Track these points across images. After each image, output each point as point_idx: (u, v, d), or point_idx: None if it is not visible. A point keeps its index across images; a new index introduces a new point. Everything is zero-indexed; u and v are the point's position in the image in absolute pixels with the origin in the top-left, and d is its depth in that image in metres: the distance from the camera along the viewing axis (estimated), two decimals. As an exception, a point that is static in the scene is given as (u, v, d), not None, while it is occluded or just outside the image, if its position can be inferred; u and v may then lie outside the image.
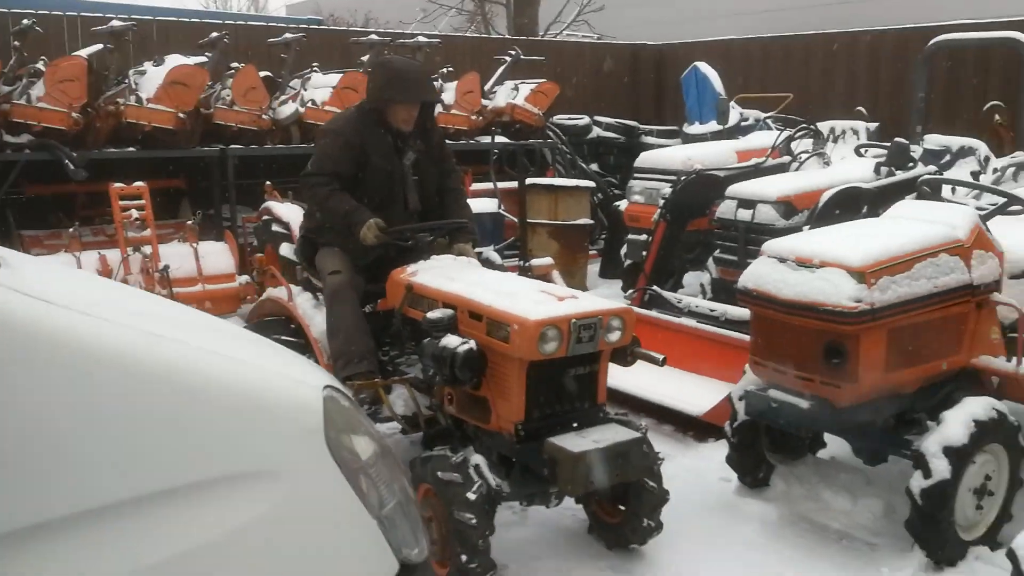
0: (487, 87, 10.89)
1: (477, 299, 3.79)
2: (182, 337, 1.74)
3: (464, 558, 3.50)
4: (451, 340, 3.66)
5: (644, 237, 7.49)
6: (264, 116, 8.73)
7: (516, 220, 7.52)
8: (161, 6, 14.68)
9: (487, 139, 10.11)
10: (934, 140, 7.10)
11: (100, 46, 8.10)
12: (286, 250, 5.55)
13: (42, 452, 1.38)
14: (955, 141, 7.06)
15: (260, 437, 1.64)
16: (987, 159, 6.86)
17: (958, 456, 3.75)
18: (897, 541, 4.02)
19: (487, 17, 21.15)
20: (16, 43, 7.85)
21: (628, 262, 8.21)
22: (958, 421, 3.81)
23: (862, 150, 7.16)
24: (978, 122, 9.00)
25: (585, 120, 11.60)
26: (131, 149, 8.12)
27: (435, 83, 8.67)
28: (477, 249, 4.79)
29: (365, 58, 9.90)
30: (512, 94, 10.76)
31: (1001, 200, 4.60)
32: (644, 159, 8.62)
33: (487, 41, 15.05)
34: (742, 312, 5.35)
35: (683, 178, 7.21)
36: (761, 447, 4.56)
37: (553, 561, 3.99)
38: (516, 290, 3.89)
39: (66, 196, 8.39)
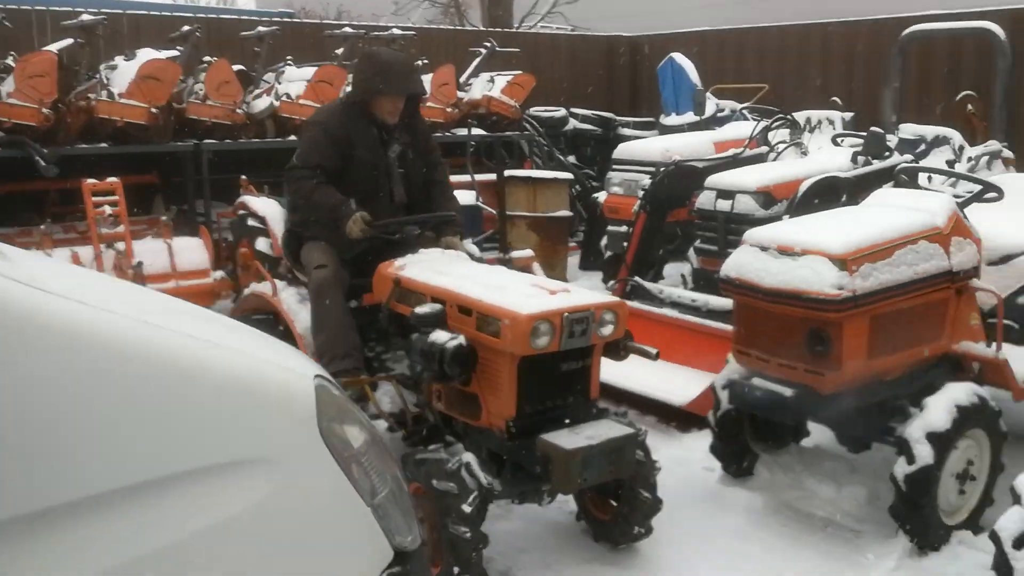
0: (462, 79, 10.85)
1: (467, 293, 3.74)
2: (176, 327, 1.74)
3: (457, 570, 3.45)
4: (440, 335, 3.60)
5: (624, 228, 7.51)
6: (238, 110, 8.64)
7: (495, 212, 7.51)
8: (131, 0, 14.51)
9: (463, 131, 10.08)
10: (909, 129, 7.16)
11: (70, 41, 7.97)
12: (262, 245, 5.49)
13: (38, 441, 1.38)
14: (930, 130, 7.13)
15: (255, 425, 1.64)
16: (961, 148, 6.93)
17: (941, 442, 3.79)
18: (881, 527, 4.05)
19: (461, 9, 21.11)
20: (-16, 38, 7.74)
21: (608, 254, 8.22)
22: (940, 407, 3.84)
23: (839, 140, 7.21)
24: (951, 111, 9.07)
25: (561, 112, 11.61)
26: (103, 145, 8.00)
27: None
28: None
29: (339, 51, 9.83)
30: (488, 86, 10.73)
31: (977, 187, 4.64)
32: (622, 150, 8.63)
33: (462, 33, 14.99)
34: (724, 302, 5.38)
35: (662, 169, 7.22)
36: (745, 436, 4.58)
37: (539, 553, 3.99)
38: (506, 284, 3.84)
39: (37, 193, 8.26)
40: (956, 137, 6.98)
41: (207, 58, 8.76)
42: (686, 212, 7.07)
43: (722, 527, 4.19)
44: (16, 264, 1.70)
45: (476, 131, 10.18)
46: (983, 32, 6.91)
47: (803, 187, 6.11)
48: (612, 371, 4.02)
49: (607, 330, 3.68)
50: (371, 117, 4.52)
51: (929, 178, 5.88)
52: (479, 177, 9.06)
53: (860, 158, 6.58)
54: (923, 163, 6.48)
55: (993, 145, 6.72)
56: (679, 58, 10.64)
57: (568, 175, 9.59)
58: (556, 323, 3.50)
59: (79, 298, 1.59)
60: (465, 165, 9.46)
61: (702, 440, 4.82)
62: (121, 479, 1.44)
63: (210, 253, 7.34)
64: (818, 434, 4.76)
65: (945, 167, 6.23)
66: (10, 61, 7.58)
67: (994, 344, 4.21)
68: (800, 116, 7.92)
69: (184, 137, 8.51)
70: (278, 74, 9.28)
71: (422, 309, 3.70)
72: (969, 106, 8.93)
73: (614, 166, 8.54)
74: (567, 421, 3.65)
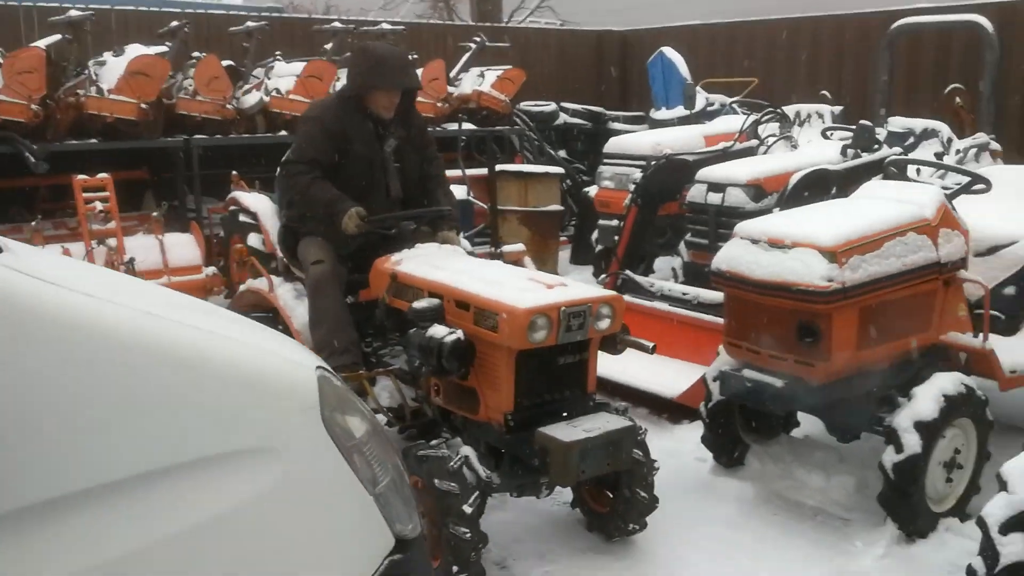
0: (452, 74, 10.86)
1: (464, 288, 3.74)
2: (180, 318, 1.75)
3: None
4: (438, 330, 3.61)
5: (615, 222, 7.52)
6: (228, 106, 8.64)
7: (485, 207, 7.53)
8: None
9: (454, 126, 10.08)
10: (898, 122, 7.19)
11: (58, 37, 7.97)
12: (254, 240, 5.49)
13: (46, 431, 1.39)
14: (918, 123, 7.15)
15: (260, 415, 1.65)
16: (950, 140, 6.95)
17: (928, 431, 3.83)
18: (870, 516, 4.09)
19: (450, 4, 21.09)
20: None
21: (599, 247, 8.24)
22: (928, 396, 3.88)
23: (828, 133, 7.23)
24: (939, 104, 9.12)
25: (552, 107, 11.63)
26: (93, 141, 7.99)
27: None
28: None
29: (328, 46, 9.83)
30: (478, 81, 10.74)
31: (965, 179, 4.67)
32: (613, 144, 8.65)
33: (452, 28, 15.01)
34: (714, 295, 5.41)
35: (653, 163, 7.24)
36: (735, 427, 4.62)
37: (533, 543, 4.02)
38: (503, 278, 3.84)
39: (27, 190, 8.25)
40: (944, 130, 7.01)
41: (196, 54, 8.75)
42: (676, 206, 7.09)
43: (714, 517, 4.23)
44: (20, 257, 1.71)
45: (466, 126, 10.19)
46: (971, 25, 6.94)
47: (793, 180, 6.13)
48: (604, 364, 4.04)
49: (604, 324, 3.69)
50: (367, 112, 4.50)
51: (918, 170, 5.92)
52: (469, 172, 9.08)
53: (849, 151, 6.60)
54: (912, 156, 6.50)
55: (981, 137, 6.75)
56: (669, 52, 10.66)
57: (559, 169, 9.61)
58: (553, 317, 3.50)
59: (83, 290, 1.60)
60: (456, 160, 9.47)
61: (693, 431, 4.85)
62: (132, 468, 1.45)
63: (201, 249, 7.36)
64: (808, 424, 4.81)
65: (933, 159, 6.27)
66: (-2, 57, 7.56)
67: (981, 334, 4.25)
68: (790, 110, 7.93)
69: (174, 133, 8.50)
70: (267, 69, 9.27)
71: (420, 304, 3.70)
72: (957, 99, 8.97)
73: (605, 160, 8.55)
74: (565, 414, 3.66)
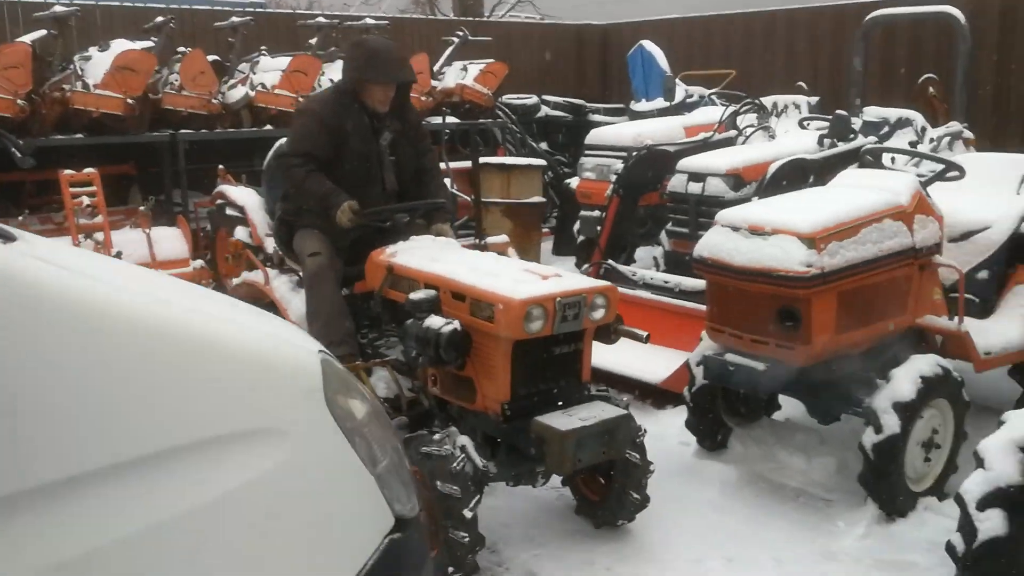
0: (436, 68, 10.89)
1: (460, 279, 3.76)
2: (188, 304, 1.80)
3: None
4: (435, 321, 3.63)
5: (597, 213, 7.60)
6: (214, 100, 8.65)
7: (469, 199, 7.58)
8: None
9: (437, 120, 10.13)
10: (873, 112, 7.29)
11: (43, 32, 7.96)
12: (241, 234, 5.52)
13: (62, 413, 1.41)
14: (893, 113, 7.25)
15: (266, 396, 1.68)
16: (924, 129, 7.06)
17: (907, 411, 3.92)
18: (851, 496, 4.18)
19: (431, -1, 21.09)
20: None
21: (581, 238, 8.32)
22: (906, 378, 3.97)
23: (805, 123, 7.36)
24: (913, 94, 9.25)
25: (533, 100, 11.70)
26: (79, 136, 8.00)
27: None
28: None
29: (313, 41, 9.86)
30: (461, 75, 10.78)
31: (939, 167, 4.76)
32: (595, 136, 8.71)
33: (434, 22, 15.02)
34: (696, 283, 5.49)
35: (634, 154, 7.33)
36: (718, 411, 4.70)
37: (522, 528, 4.08)
38: (499, 269, 3.87)
39: (13, 184, 8.24)
40: (918, 119, 7.11)
41: (181, 49, 8.76)
42: (657, 196, 7.18)
43: (698, 499, 4.31)
44: (34, 245, 1.75)
45: (450, 119, 10.24)
46: (944, 17, 7.05)
47: (772, 169, 6.23)
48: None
49: (598, 314, 3.72)
50: (362, 105, 4.51)
51: (893, 159, 6.03)
52: (453, 164, 9.13)
53: (826, 140, 6.72)
54: (887, 144, 6.62)
55: (954, 126, 6.86)
56: (648, 45, 10.75)
57: (541, 161, 9.67)
58: (549, 308, 3.53)
59: (96, 277, 1.65)
60: (439, 153, 9.50)
61: (677, 416, 4.94)
62: (142, 447, 1.48)
63: (189, 243, 7.38)
64: (789, 407, 4.90)
65: (908, 148, 6.38)
66: (-17, 53, 7.54)
67: (956, 318, 4.36)
68: (767, 101, 8.05)
69: (160, 127, 8.51)
70: (252, 64, 9.28)
71: (417, 295, 3.72)
72: (930, 89, 9.09)
73: (587, 151, 8.62)
74: (560, 403, 3.68)
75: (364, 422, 1.89)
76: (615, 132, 8.67)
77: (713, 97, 10.18)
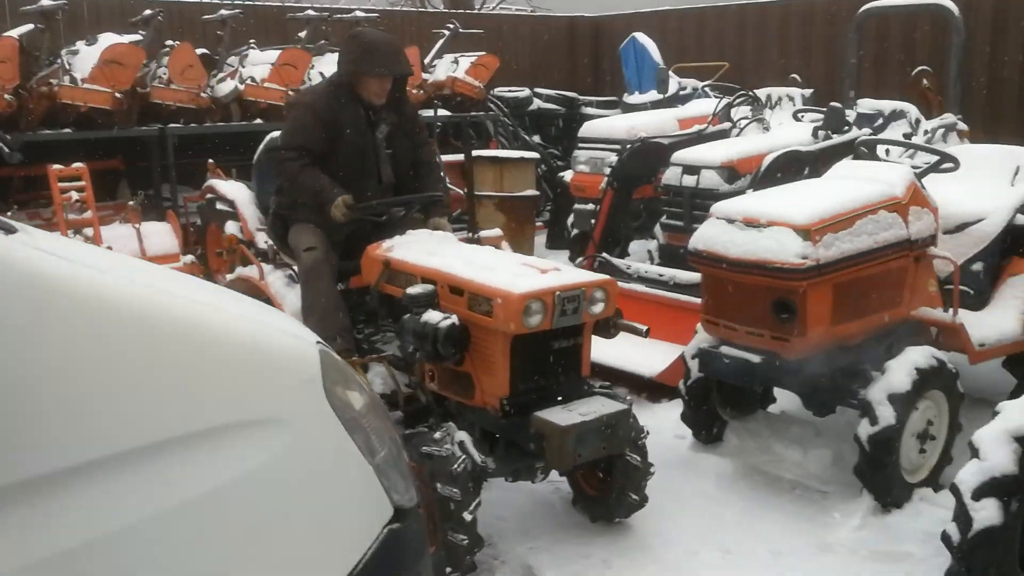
0: (427, 61, 10.86)
1: (458, 273, 3.72)
2: (188, 295, 1.79)
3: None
4: (433, 315, 3.59)
5: (591, 206, 7.59)
6: (202, 94, 8.61)
7: (461, 192, 7.56)
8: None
9: (429, 113, 10.09)
10: (867, 104, 7.28)
11: (30, 26, 7.92)
12: (231, 228, 5.48)
13: (65, 402, 1.41)
14: (887, 105, 7.25)
15: (266, 386, 1.69)
16: (918, 121, 7.06)
17: (902, 403, 3.91)
18: (846, 488, 4.17)
19: (422, -9, 21.03)
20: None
21: (575, 231, 8.29)
22: (901, 370, 3.96)
23: (799, 115, 7.34)
24: (907, 86, 9.25)
25: (525, 92, 11.66)
26: (67, 130, 7.95)
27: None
28: None
29: (302, 34, 9.81)
30: (452, 68, 10.76)
31: (934, 158, 4.76)
32: (588, 129, 8.69)
33: (425, 15, 15.00)
34: (691, 276, 5.47)
35: (628, 146, 7.31)
36: (714, 404, 4.69)
37: (517, 520, 4.07)
38: (496, 263, 3.83)
39: (0, 180, 8.19)
40: (912, 111, 7.12)
41: (170, 42, 8.72)
42: (651, 189, 7.17)
43: (694, 492, 4.30)
44: (35, 236, 1.75)
45: (441, 112, 10.19)
46: (937, 9, 7.03)
47: (766, 161, 6.22)
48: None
49: (597, 308, 3.69)
50: (358, 98, 4.47)
51: (887, 150, 6.01)
52: (445, 158, 9.07)
53: (821, 133, 6.71)
54: (881, 136, 6.61)
55: (948, 118, 6.86)
56: (641, 38, 10.73)
57: (534, 154, 9.64)
58: (548, 302, 3.50)
59: (98, 267, 1.64)
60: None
61: (673, 409, 4.92)
62: (142, 436, 1.48)
63: (179, 237, 7.34)
64: (784, 400, 4.90)
65: (903, 140, 6.37)
66: (-30, 47, 7.49)
67: (951, 309, 4.36)
68: (761, 93, 8.03)
69: (148, 122, 8.47)
70: (242, 58, 9.24)
71: (414, 290, 3.68)
72: (924, 81, 9.10)
73: (580, 144, 8.59)
74: (560, 398, 3.65)
75: (362, 413, 1.90)
76: (608, 125, 8.65)
77: (707, 89, 10.16)
